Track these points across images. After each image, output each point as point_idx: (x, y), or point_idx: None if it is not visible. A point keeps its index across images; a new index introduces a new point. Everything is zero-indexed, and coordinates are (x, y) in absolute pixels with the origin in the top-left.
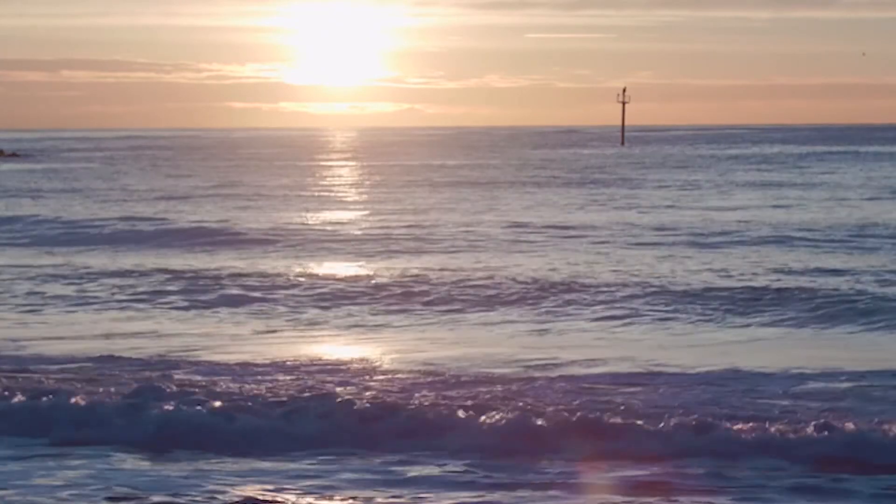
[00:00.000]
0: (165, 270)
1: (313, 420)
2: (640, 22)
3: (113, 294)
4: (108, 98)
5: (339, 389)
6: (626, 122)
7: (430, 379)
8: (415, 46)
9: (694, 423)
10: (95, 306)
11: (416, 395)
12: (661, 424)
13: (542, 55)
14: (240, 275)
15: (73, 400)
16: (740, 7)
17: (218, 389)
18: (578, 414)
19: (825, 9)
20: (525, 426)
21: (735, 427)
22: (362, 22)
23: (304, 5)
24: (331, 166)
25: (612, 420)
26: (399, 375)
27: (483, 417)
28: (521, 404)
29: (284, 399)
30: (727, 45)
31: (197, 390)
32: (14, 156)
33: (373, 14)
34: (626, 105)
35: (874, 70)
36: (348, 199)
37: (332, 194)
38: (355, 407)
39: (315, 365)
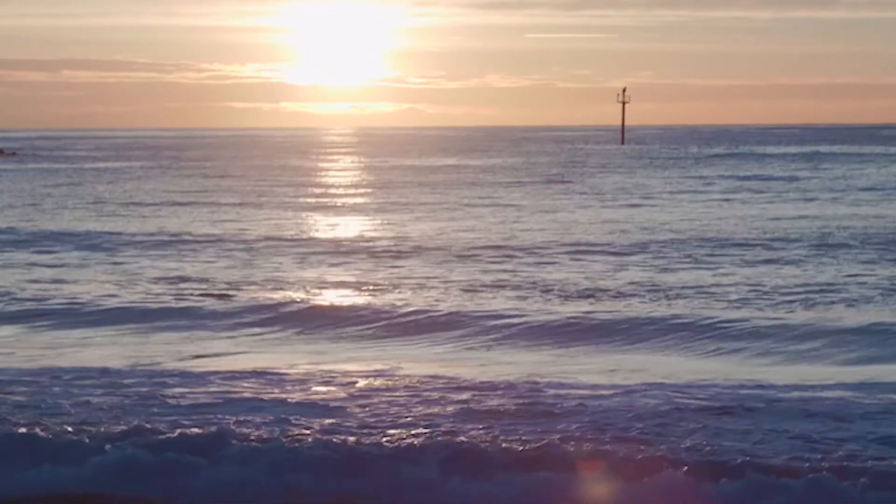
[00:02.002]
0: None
1: None
2: (640, 22)
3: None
4: (109, 98)
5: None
6: (627, 122)
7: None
8: (415, 46)
9: None
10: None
11: None
12: None
13: (542, 55)
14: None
15: None
16: (741, 7)
17: None
18: None
19: (826, 9)
20: None
21: None
22: (363, 22)
23: (305, 5)
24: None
25: None
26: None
27: None
28: None
29: None
30: (728, 45)
31: None
32: (14, 155)
33: (373, 14)
34: (627, 105)
35: (874, 70)
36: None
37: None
38: None
39: None
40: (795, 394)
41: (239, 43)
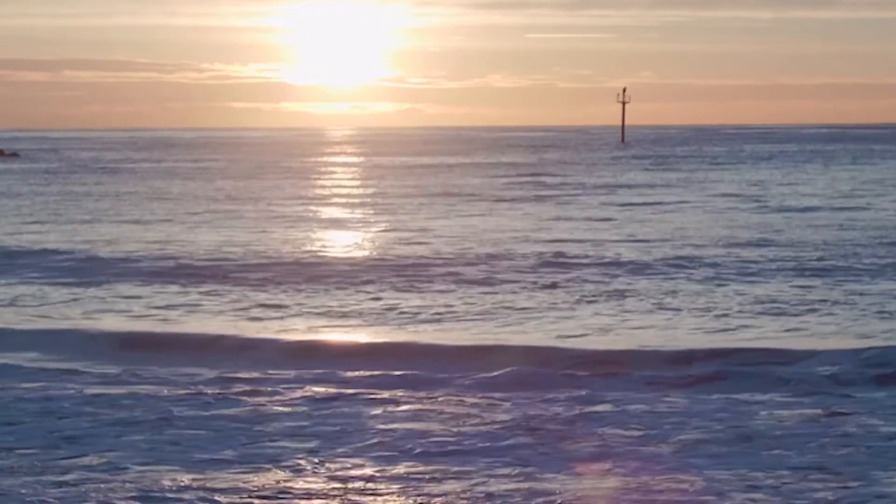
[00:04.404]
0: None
1: None
2: (641, 22)
3: None
4: (110, 98)
5: None
6: (628, 122)
7: None
8: (416, 46)
9: None
10: None
11: None
12: None
13: (543, 55)
14: None
15: None
16: (741, 7)
17: None
18: None
19: (826, 9)
20: None
21: None
22: (364, 22)
23: (306, 5)
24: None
25: None
26: None
27: None
28: None
29: None
30: (728, 45)
31: None
32: (14, 155)
33: (374, 14)
34: (627, 105)
35: (874, 70)
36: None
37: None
38: None
39: None
40: None
41: (240, 43)
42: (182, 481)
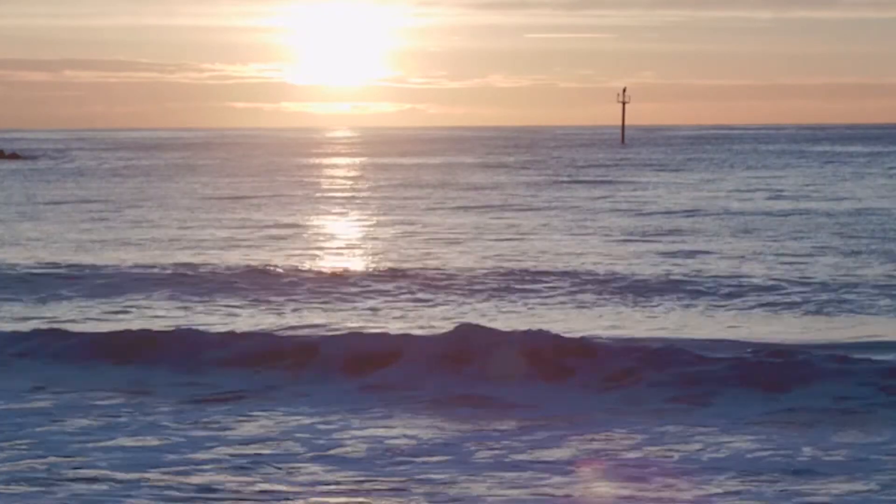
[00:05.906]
0: None
1: None
2: (641, 22)
3: None
4: (110, 98)
5: None
6: (629, 122)
7: None
8: (417, 46)
9: None
10: None
11: None
12: None
13: (544, 55)
14: None
15: None
16: (742, 7)
17: None
18: None
19: (826, 9)
20: None
21: None
22: (364, 22)
23: (306, 5)
24: None
25: None
26: None
27: None
28: None
29: None
30: (728, 45)
31: None
32: (14, 156)
33: (375, 14)
34: (627, 105)
35: (874, 70)
36: None
37: None
38: None
39: None
40: None
41: (241, 43)
42: (141, 484)
